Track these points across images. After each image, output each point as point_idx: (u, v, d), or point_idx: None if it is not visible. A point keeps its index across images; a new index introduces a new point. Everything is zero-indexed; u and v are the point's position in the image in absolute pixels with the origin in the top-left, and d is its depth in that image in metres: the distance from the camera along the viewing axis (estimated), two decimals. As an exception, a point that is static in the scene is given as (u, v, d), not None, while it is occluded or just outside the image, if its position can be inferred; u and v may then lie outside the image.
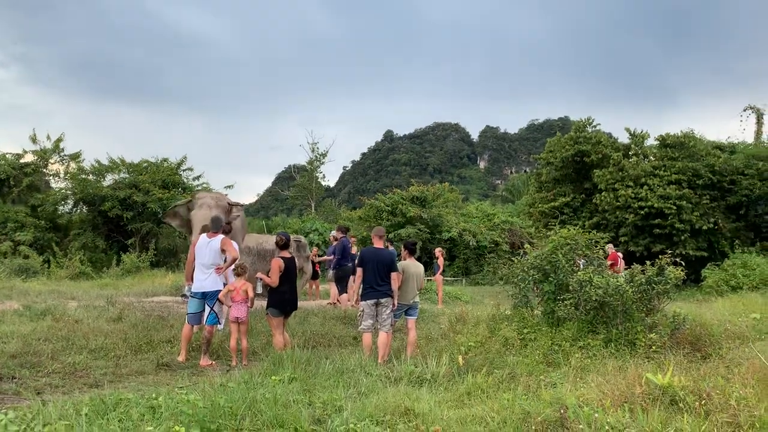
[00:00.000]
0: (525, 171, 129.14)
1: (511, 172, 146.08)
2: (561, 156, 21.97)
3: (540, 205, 22.91)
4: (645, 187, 19.86)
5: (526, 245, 9.23)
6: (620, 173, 20.55)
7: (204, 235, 7.82)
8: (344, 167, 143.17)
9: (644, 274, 7.58)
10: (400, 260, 8.42)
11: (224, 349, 8.34)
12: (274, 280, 7.62)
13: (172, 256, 25.57)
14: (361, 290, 7.85)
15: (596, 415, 4.34)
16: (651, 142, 22.40)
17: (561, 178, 22.99)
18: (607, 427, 4.19)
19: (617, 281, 7.37)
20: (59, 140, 26.58)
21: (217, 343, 8.36)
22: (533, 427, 4.54)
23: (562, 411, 4.56)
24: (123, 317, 9.74)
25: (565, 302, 7.72)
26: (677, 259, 7.89)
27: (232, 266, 7.87)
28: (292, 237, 15.59)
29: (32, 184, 25.21)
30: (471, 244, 27.76)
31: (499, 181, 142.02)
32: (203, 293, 7.66)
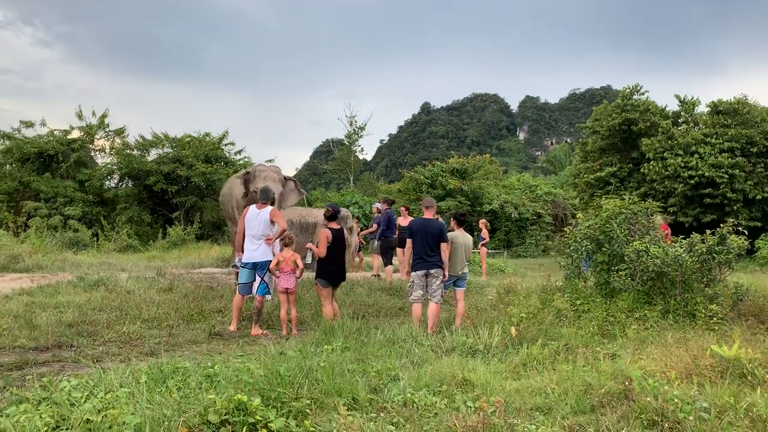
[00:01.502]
0: (566, 141, 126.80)
1: (552, 143, 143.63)
2: (608, 125, 21.38)
3: (586, 176, 22.42)
4: (695, 155, 19.23)
5: (579, 215, 8.98)
6: (669, 141, 19.92)
7: (253, 206, 7.82)
8: (381, 140, 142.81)
9: (704, 243, 7.30)
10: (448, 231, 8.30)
11: (273, 319, 8.40)
12: (321, 250, 7.60)
13: (216, 228, 25.90)
14: (411, 261, 7.77)
15: (665, 387, 4.18)
16: (701, 109, 21.66)
17: (607, 147, 22.42)
18: (676, 400, 4.04)
19: (676, 251, 7.13)
20: (104, 116, 27.03)
21: (266, 312, 8.41)
22: (596, 399, 4.42)
23: (627, 383, 4.42)
24: (173, 288, 9.88)
25: (621, 273, 7.51)
26: (739, 228, 7.59)
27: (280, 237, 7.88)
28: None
29: (79, 159, 25.73)
30: (513, 216, 27.42)
31: (539, 153, 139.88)
32: (254, 264, 7.68)
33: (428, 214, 7.93)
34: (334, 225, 7.85)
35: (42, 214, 22.31)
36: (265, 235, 7.67)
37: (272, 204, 10.15)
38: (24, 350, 6.32)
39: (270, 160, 28.67)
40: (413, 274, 7.70)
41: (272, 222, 7.67)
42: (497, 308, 8.38)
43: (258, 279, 7.68)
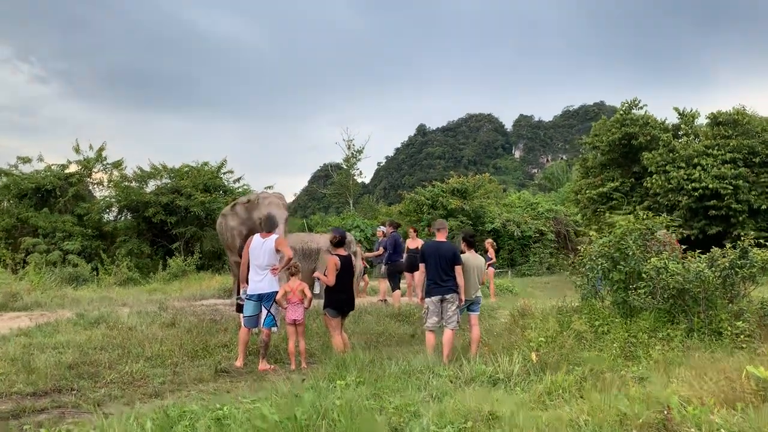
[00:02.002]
0: (561, 158, 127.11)
1: (548, 160, 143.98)
2: (607, 140, 21.25)
3: (588, 192, 22.23)
4: (698, 167, 19.07)
5: (592, 233, 8.75)
6: (671, 154, 19.78)
7: (257, 235, 7.57)
8: (378, 163, 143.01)
9: (725, 257, 7.06)
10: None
11: (281, 352, 8.10)
12: (330, 279, 7.33)
13: (217, 258, 25.63)
14: (425, 287, 7.50)
15: (711, 416, 3.91)
16: (700, 121, 21.55)
17: (608, 162, 22.27)
18: (721, 430, 3.77)
19: (698, 266, 6.87)
20: (101, 149, 26.93)
21: (272, 345, 8.12)
22: (633, 431, 4.14)
23: (665, 412, 4.15)
24: (176, 322, 9.59)
25: (640, 291, 7.25)
26: (761, 240, 7.35)
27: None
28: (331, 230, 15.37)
29: (77, 193, 25.57)
30: (515, 234, 27.17)
31: (535, 170, 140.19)
32: (259, 295, 7.41)
33: (440, 237, 7.69)
34: (342, 251, 7.59)
35: (40, 249, 22.05)
36: (271, 264, 7.41)
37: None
38: (21, 396, 6.02)
39: (269, 187, 28.51)
40: (428, 300, 7.42)
41: (278, 251, 7.42)
42: (513, 332, 8.09)
43: (264, 311, 7.40)
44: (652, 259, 7.32)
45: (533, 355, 6.27)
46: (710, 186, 18.56)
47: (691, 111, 21.00)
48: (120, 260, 21.97)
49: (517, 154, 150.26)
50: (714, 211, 18.55)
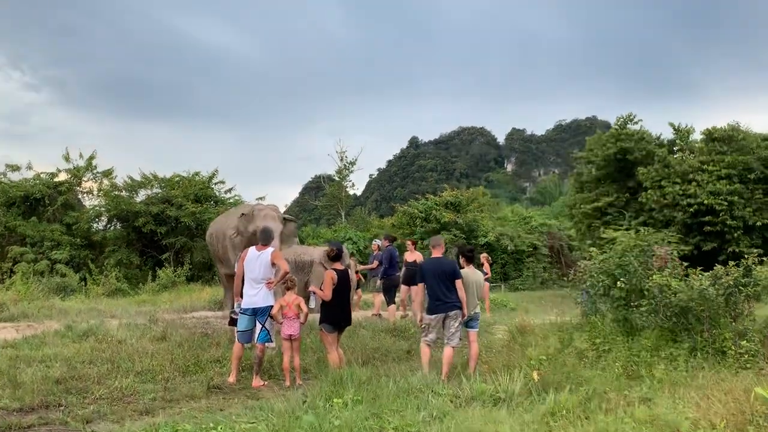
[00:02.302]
0: (553, 172, 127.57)
1: (540, 174, 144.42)
2: (603, 154, 21.25)
3: (583, 206, 22.18)
4: (693, 183, 19.07)
5: (593, 249, 8.64)
6: (666, 170, 19.78)
7: (253, 248, 7.40)
8: (370, 175, 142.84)
9: (729, 275, 6.95)
10: None
11: (275, 368, 7.91)
12: (327, 293, 7.16)
13: (207, 269, 25.36)
14: (426, 304, 7.34)
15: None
16: (694, 136, 21.60)
17: (603, 177, 22.26)
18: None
19: (701, 284, 6.77)
20: (92, 158, 26.66)
21: (266, 361, 7.91)
22: (644, 456, 4.00)
23: (677, 437, 4.02)
24: (167, 336, 9.37)
25: (642, 309, 7.13)
26: (765, 258, 7.26)
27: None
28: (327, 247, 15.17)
29: (67, 202, 25.26)
30: (509, 248, 27.07)
31: (527, 184, 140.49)
32: (254, 309, 7.23)
33: (437, 253, 7.55)
34: (339, 266, 7.43)
35: (28, 259, 21.73)
36: (266, 278, 7.24)
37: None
38: (7, 412, 5.81)
39: (261, 198, 28.32)
40: (429, 317, 7.25)
41: (273, 264, 7.26)
42: (512, 349, 7.94)
43: (259, 326, 7.22)
44: (654, 275, 7.20)
45: (534, 374, 6.13)
46: (705, 202, 18.55)
47: (686, 127, 21.11)
48: (109, 270, 21.68)
49: (509, 167, 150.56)
50: (709, 227, 18.52)
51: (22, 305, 13.79)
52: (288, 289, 7.41)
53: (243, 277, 7.37)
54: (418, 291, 7.45)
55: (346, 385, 6.22)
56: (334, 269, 7.33)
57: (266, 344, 7.30)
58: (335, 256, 7.45)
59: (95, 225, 26.56)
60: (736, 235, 18.49)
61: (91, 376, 7.09)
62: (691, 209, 18.87)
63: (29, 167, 25.79)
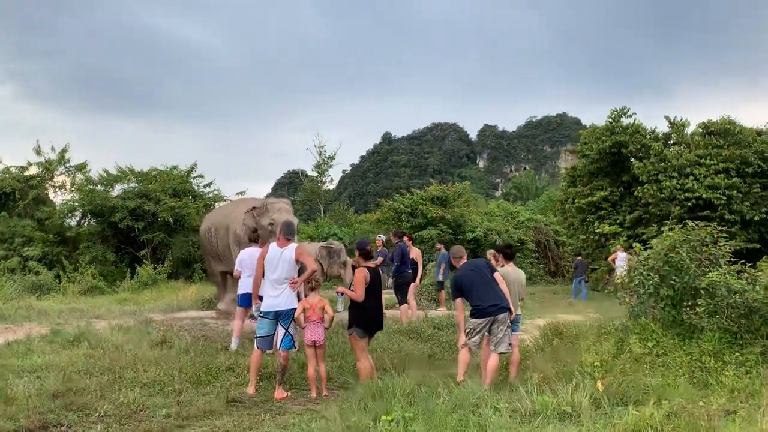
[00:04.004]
0: (524, 168, 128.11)
1: (511, 170, 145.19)
2: (597, 148, 20.82)
3: (578, 201, 21.73)
4: (691, 177, 18.75)
5: (635, 244, 8.09)
6: (663, 164, 19.43)
7: (273, 244, 6.64)
8: (344, 171, 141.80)
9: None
10: None
11: (295, 377, 7.19)
12: (359, 293, 6.43)
13: (186, 266, 24.37)
14: (471, 309, 6.70)
15: None
16: (689, 130, 21.30)
17: (596, 171, 21.84)
18: None
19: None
20: (64, 151, 25.43)
21: (274, 367, 7.10)
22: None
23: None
24: (167, 341, 8.57)
25: (699, 310, 6.58)
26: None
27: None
28: (322, 243, 14.38)
29: (38, 196, 24.04)
30: (498, 243, 26.56)
31: (499, 180, 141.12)
32: (276, 312, 6.49)
33: (462, 262, 6.99)
34: (370, 264, 6.71)
35: (-2, 256, 20.53)
36: (290, 277, 6.50)
37: (253, 241, 9.07)
38: (1, 435, 5.02)
39: (241, 192, 27.43)
40: (475, 321, 6.60)
41: (297, 261, 6.53)
42: (554, 354, 7.33)
43: (282, 331, 6.48)
44: (710, 273, 6.65)
45: (599, 384, 5.52)
46: (703, 196, 18.25)
47: (682, 120, 20.79)
48: (84, 268, 20.59)
49: (481, 163, 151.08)
50: (706, 222, 18.14)
51: (-3, 306, 12.82)
52: (312, 289, 6.67)
53: (263, 276, 6.62)
54: (460, 307, 6.81)
55: (385, 396, 5.55)
56: (366, 267, 6.62)
57: (289, 351, 6.57)
58: (367, 253, 6.73)
59: (68, 221, 25.33)
60: (734, 229, 18.19)
61: (92, 388, 6.29)
62: (689, 203, 18.56)
63: (-2, 160, 24.49)
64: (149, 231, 23.77)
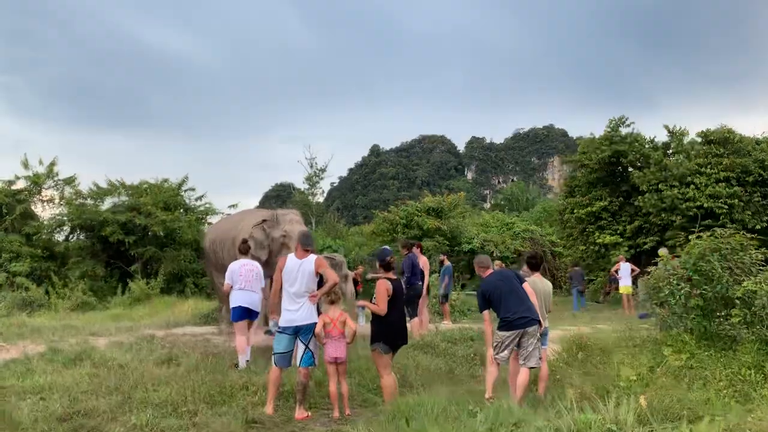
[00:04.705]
0: (512, 180, 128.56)
1: (499, 182, 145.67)
2: (597, 158, 20.71)
3: (577, 211, 21.56)
4: (692, 186, 18.65)
5: (661, 251, 7.85)
6: (663, 173, 19.34)
7: (291, 255, 6.32)
8: (332, 183, 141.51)
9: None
10: None
11: (312, 395, 6.84)
12: (382, 307, 6.11)
13: (178, 281, 23.90)
14: (499, 322, 6.41)
15: None
16: (687, 139, 21.25)
17: (595, 181, 21.72)
18: None
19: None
20: (53, 164, 24.82)
21: (291, 385, 6.75)
22: None
23: None
24: (173, 358, 8.19)
25: (733, 320, 6.34)
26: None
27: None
28: (324, 255, 14.07)
29: (26, 211, 23.48)
30: (495, 255, 26.36)
31: (487, 191, 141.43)
32: (295, 328, 6.15)
33: (488, 272, 6.70)
34: (392, 275, 6.40)
35: (-15, 272, 19.98)
36: (310, 290, 6.17)
37: (243, 252, 8.80)
38: (10, 464, 4.64)
39: (233, 205, 27.09)
40: (503, 334, 6.30)
41: (317, 274, 6.21)
42: (584, 368, 7.05)
43: (302, 347, 6.15)
44: (744, 282, 6.42)
45: (642, 400, 5.24)
46: (705, 205, 18.15)
47: (681, 129, 20.75)
48: (74, 283, 20.10)
49: (469, 175, 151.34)
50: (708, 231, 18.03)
51: (-12, 323, 12.36)
52: (332, 303, 6.34)
53: (280, 290, 6.29)
54: (487, 319, 6.53)
55: (420, 418, 5.23)
56: (388, 278, 6.31)
57: (310, 368, 6.23)
58: (388, 264, 6.41)
59: (57, 235, 24.79)
60: (735, 239, 18.09)
61: (101, 410, 5.91)
62: (690, 213, 18.44)
63: (-16, 175, 23.89)
64: (140, 245, 23.31)
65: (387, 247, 7.70)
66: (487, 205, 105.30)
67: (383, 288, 6.18)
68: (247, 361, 7.98)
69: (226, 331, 11.61)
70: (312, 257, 6.25)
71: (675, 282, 6.99)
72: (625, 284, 16.92)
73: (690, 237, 7.69)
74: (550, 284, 7.09)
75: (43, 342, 10.18)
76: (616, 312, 17.38)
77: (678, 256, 7.48)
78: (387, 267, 6.38)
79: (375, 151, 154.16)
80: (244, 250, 8.92)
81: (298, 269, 6.17)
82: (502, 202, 64.02)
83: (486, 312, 6.51)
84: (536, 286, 6.67)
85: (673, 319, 7.06)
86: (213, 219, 26.80)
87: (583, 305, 18.52)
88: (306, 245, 6.31)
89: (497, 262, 15.02)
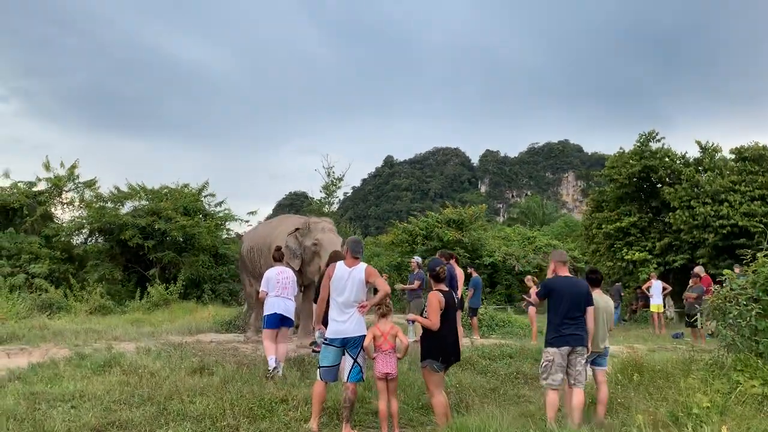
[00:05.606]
0: (527, 194, 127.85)
1: (513, 196, 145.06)
2: (626, 173, 20.27)
3: (605, 226, 21.10)
4: (725, 203, 18.17)
5: (726, 272, 7.43)
6: (695, 190, 18.88)
7: (341, 263, 5.97)
8: (345, 193, 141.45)
9: None
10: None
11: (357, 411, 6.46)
12: (434, 321, 5.73)
13: (196, 287, 23.64)
14: (549, 333, 6.01)
15: None
16: (720, 155, 20.78)
17: (623, 196, 21.27)
18: None
19: None
20: (74, 167, 24.78)
21: (333, 400, 6.39)
22: None
23: None
24: (206, 367, 7.85)
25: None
26: None
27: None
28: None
29: (46, 213, 23.38)
30: (516, 269, 25.92)
31: (500, 205, 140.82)
32: (343, 340, 5.79)
33: (564, 272, 6.25)
34: (443, 287, 6.03)
35: (4, 272, 19.79)
36: (359, 300, 5.82)
37: (277, 260, 8.64)
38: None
39: (252, 212, 26.92)
40: (554, 350, 5.90)
41: (368, 283, 5.86)
42: (644, 390, 6.62)
43: (350, 360, 5.78)
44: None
45: (725, 430, 4.83)
46: (739, 223, 17.66)
47: (714, 145, 20.30)
48: (92, 286, 19.87)
49: (483, 188, 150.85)
50: (742, 250, 17.51)
51: (10, 325, 12.11)
52: (383, 315, 5.97)
53: (328, 299, 5.95)
54: (536, 301, 6.17)
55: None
56: (440, 290, 5.94)
57: (358, 383, 5.87)
58: (436, 275, 6.03)
59: (75, 238, 24.65)
60: (770, 259, 17.57)
61: (136, 421, 5.58)
62: (724, 231, 17.94)
63: (6, 175, 23.87)
64: (158, 250, 23.14)
65: (436, 257, 7.27)
66: (501, 219, 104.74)
67: (435, 301, 5.80)
68: (275, 368, 7.64)
69: (253, 339, 11.31)
70: (362, 265, 5.90)
71: (744, 302, 6.59)
72: (656, 302, 16.47)
73: (757, 255, 7.28)
74: (611, 301, 6.69)
75: (66, 346, 9.91)
76: (645, 330, 16.93)
77: (712, 275, 7.05)
78: (437, 278, 6.00)
79: (389, 162, 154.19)
80: (279, 257, 8.80)
81: (348, 278, 5.82)
82: (519, 216, 63.42)
83: (540, 299, 6.20)
84: (598, 303, 6.27)
85: (742, 341, 6.64)
86: (232, 225, 26.66)
87: (616, 322, 18.08)
88: (356, 252, 5.96)
89: (528, 276, 14.56)
